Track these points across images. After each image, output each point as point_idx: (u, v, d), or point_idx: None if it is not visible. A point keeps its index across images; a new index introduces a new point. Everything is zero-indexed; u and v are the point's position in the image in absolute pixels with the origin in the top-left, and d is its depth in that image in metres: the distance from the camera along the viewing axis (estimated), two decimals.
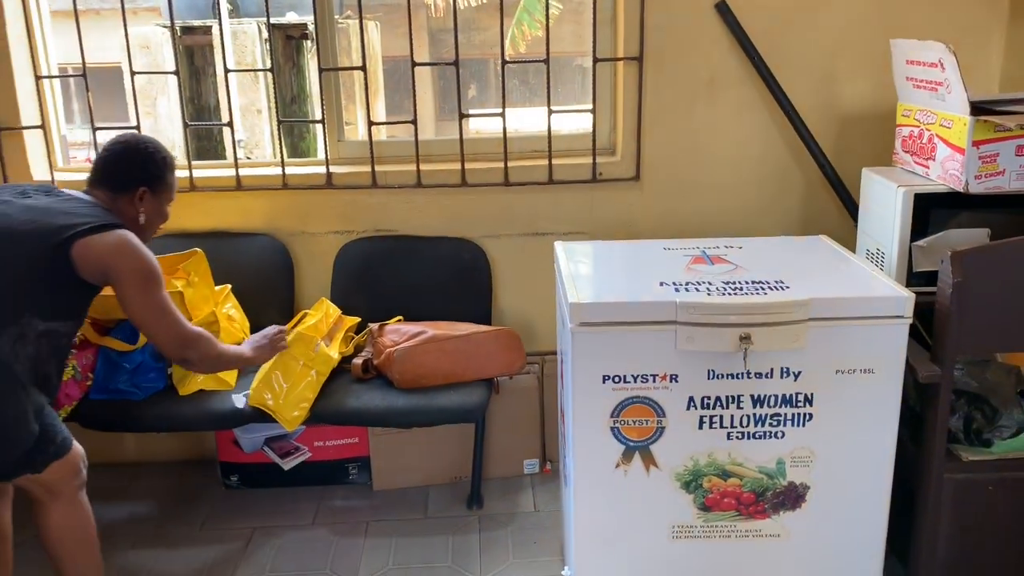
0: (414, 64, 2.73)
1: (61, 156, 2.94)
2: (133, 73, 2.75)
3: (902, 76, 2.33)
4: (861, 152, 2.69)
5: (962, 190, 2.05)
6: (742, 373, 1.83)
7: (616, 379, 1.84)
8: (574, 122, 2.99)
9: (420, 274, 2.83)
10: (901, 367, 1.83)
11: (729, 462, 1.88)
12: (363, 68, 2.77)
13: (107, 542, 2.18)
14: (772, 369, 1.83)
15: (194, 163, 2.83)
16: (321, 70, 2.77)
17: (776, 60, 2.72)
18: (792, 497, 1.91)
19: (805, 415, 1.86)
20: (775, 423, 1.86)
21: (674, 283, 1.91)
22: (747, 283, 1.90)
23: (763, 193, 2.86)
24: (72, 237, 1.88)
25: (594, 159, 2.81)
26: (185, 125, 2.85)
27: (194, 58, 5.15)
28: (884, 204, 2.25)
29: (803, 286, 1.87)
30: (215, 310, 2.52)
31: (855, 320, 1.81)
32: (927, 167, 2.22)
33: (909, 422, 1.99)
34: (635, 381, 1.84)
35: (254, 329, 2.55)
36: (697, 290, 1.86)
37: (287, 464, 2.81)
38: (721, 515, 1.92)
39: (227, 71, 2.84)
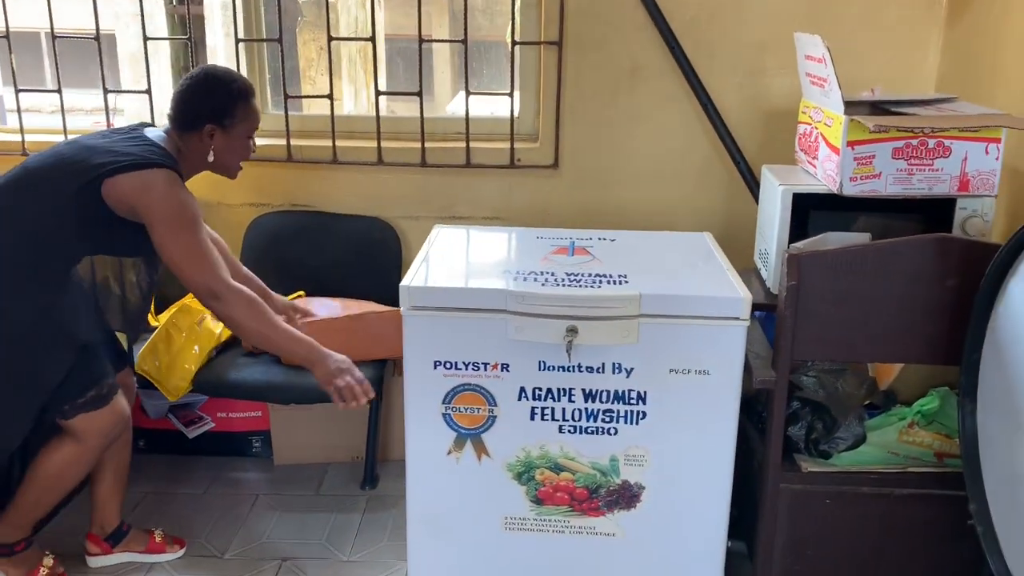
0: (331, 39, 2.71)
1: None
2: (54, 38, 2.77)
3: (803, 71, 2.25)
4: (787, 149, 2.61)
5: (836, 191, 1.98)
6: (573, 366, 1.79)
7: (448, 365, 1.82)
8: (505, 107, 2.95)
9: (331, 251, 2.82)
10: (738, 370, 1.78)
11: (561, 455, 1.85)
12: (279, 40, 2.76)
13: None
14: (603, 364, 1.79)
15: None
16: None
17: (702, 52, 2.65)
18: (627, 496, 1.87)
19: (638, 413, 1.81)
20: (608, 419, 1.82)
21: (518, 272, 1.87)
22: (589, 276, 1.85)
23: (684, 187, 2.79)
24: (101, 176, 1.90)
25: (512, 144, 2.77)
26: None
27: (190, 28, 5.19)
28: (771, 203, 2.18)
29: (643, 281, 1.82)
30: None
31: (690, 319, 1.76)
32: (814, 167, 2.15)
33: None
34: (467, 368, 1.81)
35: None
36: (535, 280, 1.83)
37: (191, 433, 2.83)
38: (554, 509, 1.88)
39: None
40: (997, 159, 1.91)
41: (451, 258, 2.07)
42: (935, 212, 2.02)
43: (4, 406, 1.95)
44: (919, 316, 1.73)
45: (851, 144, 1.93)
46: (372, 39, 2.71)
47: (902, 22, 2.64)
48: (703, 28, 2.64)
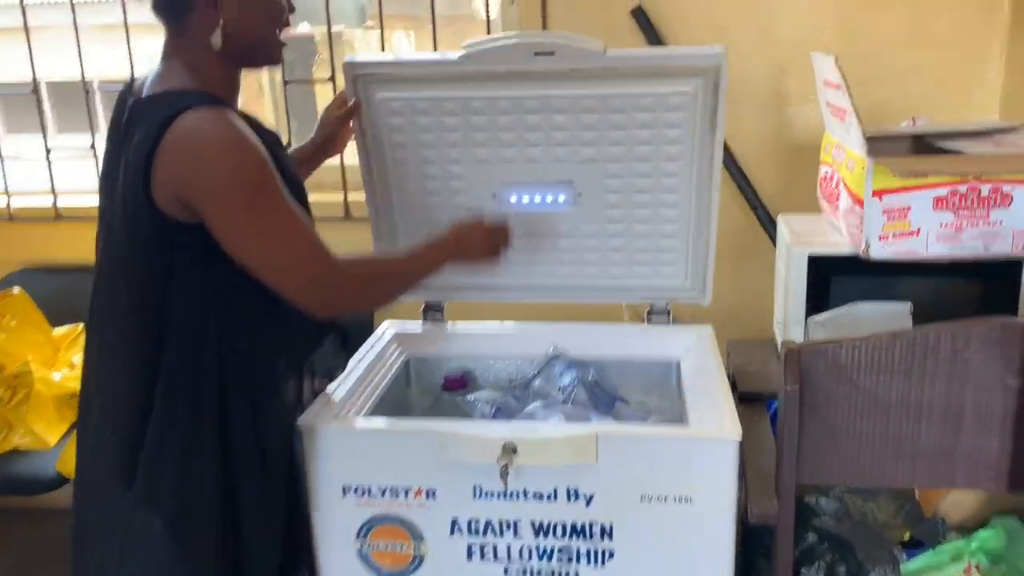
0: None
1: None
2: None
3: (823, 100, 1.83)
4: (814, 192, 2.18)
5: (861, 255, 1.55)
6: (516, 492, 1.40)
7: (360, 491, 1.44)
8: None
9: None
10: (730, 496, 1.35)
11: None
12: None
13: None
14: (556, 489, 1.39)
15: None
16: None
17: None
18: None
19: (604, 552, 1.40)
20: (565, 559, 1.42)
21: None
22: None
23: None
24: (146, 183, 1.20)
25: None
26: None
27: None
28: (786, 265, 1.76)
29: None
30: (31, 362, 2.23)
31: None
32: (837, 218, 1.72)
33: None
34: (384, 496, 1.43)
35: None
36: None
37: None
38: None
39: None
40: None
41: None
42: (1001, 272, 1.58)
43: None
44: (971, 426, 1.29)
45: (878, 194, 1.51)
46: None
47: (956, 34, 2.19)
48: None
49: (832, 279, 1.65)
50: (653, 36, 2.20)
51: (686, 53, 1.64)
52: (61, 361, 2.37)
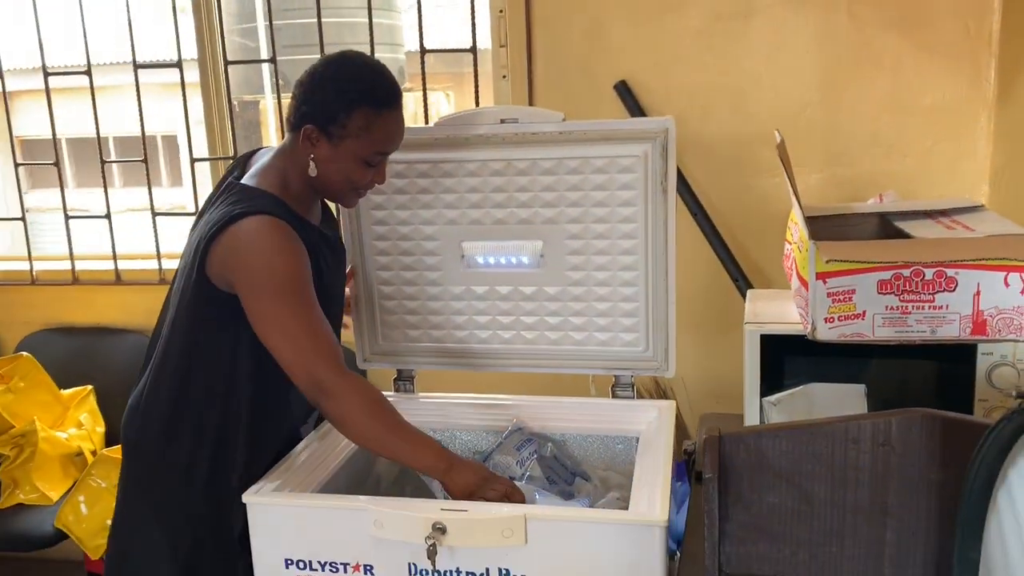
0: None
1: None
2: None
3: (787, 176, 1.83)
4: None
5: (808, 335, 1.54)
6: (451, 571, 1.41)
7: (302, 565, 1.47)
8: None
9: None
10: None
11: None
12: None
13: None
14: (488, 569, 1.40)
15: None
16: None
17: (693, 151, 2.27)
18: None
19: None
20: None
21: None
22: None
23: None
24: (203, 257, 1.49)
25: None
26: None
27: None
28: (744, 342, 1.76)
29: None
30: (36, 422, 2.34)
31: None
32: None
33: None
34: (324, 570, 1.47)
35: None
36: None
37: None
38: None
39: None
40: None
41: None
42: (955, 354, 1.56)
43: None
44: (896, 523, 1.26)
45: (822, 276, 1.50)
46: None
47: (943, 106, 2.19)
48: (695, 124, 2.27)
49: (786, 358, 1.64)
50: (635, 108, 2.24)
51: (637, 121, 1.70)
52: (69, 420, 2.48)
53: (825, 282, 1.50)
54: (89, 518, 2.22)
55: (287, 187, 1.55)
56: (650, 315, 1.77)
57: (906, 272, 1.46)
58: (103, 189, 2.63)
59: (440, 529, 1.37)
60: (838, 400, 1.61)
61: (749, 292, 1.90)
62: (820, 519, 1.29)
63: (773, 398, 1.64)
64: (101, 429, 2.51)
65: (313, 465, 1.60)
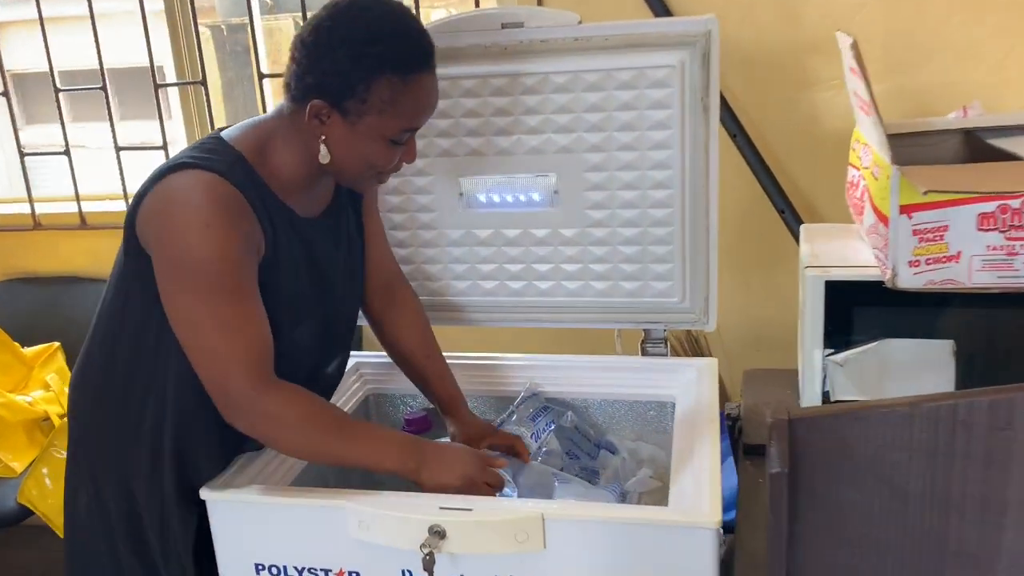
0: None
1: None
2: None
3: (850, 89, 1.52)
4: None
5: (887, 283, 1.26)
6: None
7: (275, 571, 1.23)
8: None
9: None
10: None
11: None
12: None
13: None
14: None
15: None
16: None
17: (732, 58, 1.94)
18: None
19: None
20: None
21: None
22: None
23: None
24: (134, 211, 1.18)
25: None
26: None
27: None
28: (802, 289, 1.47)
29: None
30: None
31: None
32: (865, 234, 1.42)
33: None
34: (300, 575, 1.22)
35: None
36: None
37: None
38: None
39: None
40: None
41: None
42: None
43: None
44: (1017, 523, 0.99)
45: (907, 209, 1.21)
46: None
47: (1020, 4, 1.85)
48: (732, 28, 1.93)
49: (855, 310, 1.36)
50: (662, 11, 1.91)
51: (671, 22, 1.39)
52: (34, 382, 2.23)
53: (911, 216, 1.21)
54: (55, 492, 1.98)
55: (267, 160, 1.22)
56: (687, 259, 1.48)
57: (1015, 203, 1.17)
58: (59, 121, 2.33)
59: (438, 533, 1.11)
60: (919, 359, 1.33)
61: (803, 228, 1.60)
62: (916, 520, 1.02)
63: (839, 357, 1.36)
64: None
65: (276, 463, 1.33)
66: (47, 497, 1.99)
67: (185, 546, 1.26)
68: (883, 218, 1.25)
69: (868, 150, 1.39)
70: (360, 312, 1.47)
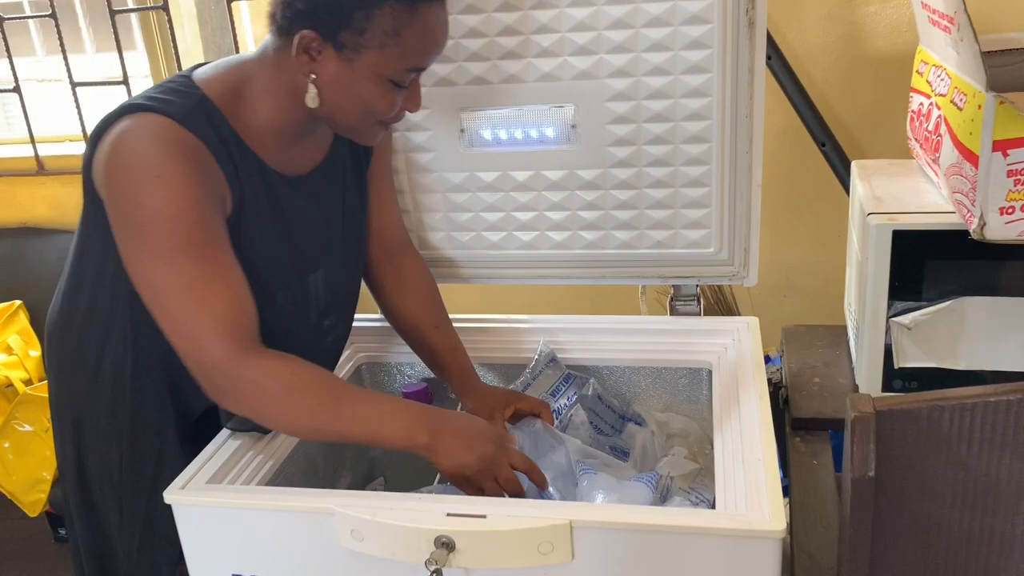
0: None
1: None
2: None
3: (916, 1, 1.30)
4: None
5: (974, 233, 1.06)
6: None
7: None
8: None
9: None
10: None
11: None
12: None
13: None
14: None
15: None
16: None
17: None
18: None
19: None
20: None
21: None
22: None
23: None
24: (89, 156, 1.02)
25: None
26: None
27: None
28: (859, 235, 1.27)
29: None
30: None
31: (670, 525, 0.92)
32: (937, 173, 1.21)
33: None
34: None
35: None
36: None
37: None
38: None
39: None
40: None
41: None
42: None
43: None
44: None
45: (1002, 145, 1.00)
46: None
47: None
48: None
49: (927, 264, 1.16)
50: None
51: None
52: None
53: (1007, 154, 1.00)
54: (20, 469, 1.81)
55: (241, 105, 1.05)
56: (725, 203, 1.28)
57: None
58: (6, 55, 2.09)
59: (446, 545, 0.93)
60: (1002, 321, 1.13)
61: (856, 165, 1.39)
62: None
63: (907, 319, 1.17)
64: (36, 353, 2.07)
65: (259, 447, 1.15)
66: (11, 474, 1.82)
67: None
68: (970, 156, 1.04)
69: (943, 73, 1.17)
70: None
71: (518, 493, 1.05)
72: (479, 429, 1.05)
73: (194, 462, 1.08)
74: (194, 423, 1.17)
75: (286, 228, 1.09)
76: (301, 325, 1.17)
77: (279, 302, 1.12)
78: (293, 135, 1.08)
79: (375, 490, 1.44)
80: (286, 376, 1.00)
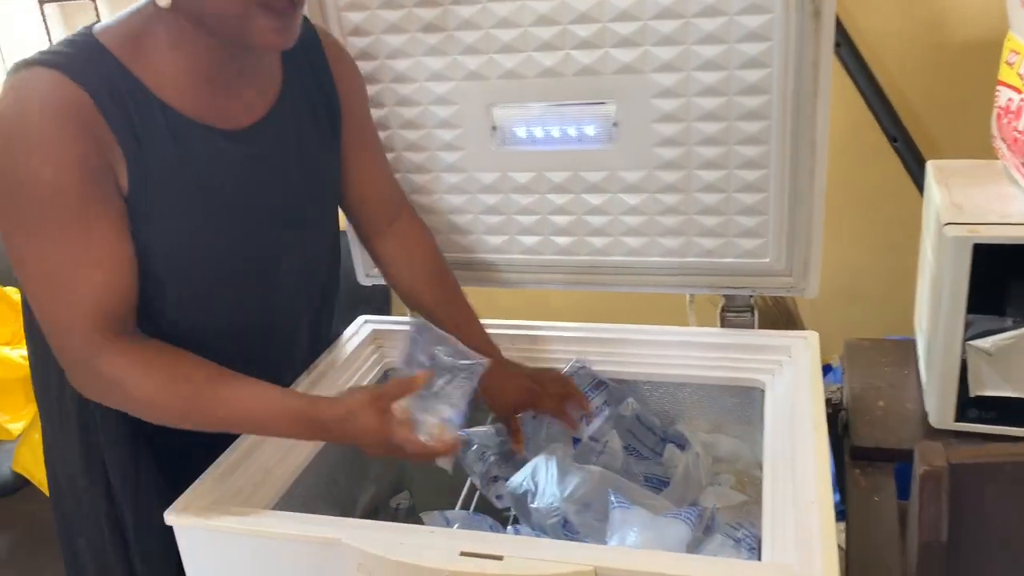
0: None
1: None
2: None
3: None
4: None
5: None
6: None
7: None
8: None
9: None
10: None
11: None
12: None
13: None
14: None
15: None
16: None
17: None
18: None
19: None
20: None
21: None
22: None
23: None
24: None
25: None
26: None
27: None
28: (933, 245, 1.15)
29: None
30: None
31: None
32: None
33: None
34: None
35: None
36: None
37: None
38: None
39: None
40: None
41: None
42: None
43: None
44: None
45: None
46: None
47: None
48: None
49: (1012, 282, 1.03)
50: None
51: None
52: None
53: None
54: None
55: (144, 54, 0.94)
56: (785, 210, 1.16)
57: None
58: None
59: None
60: None
61: (932, 166, 1.26)
62: None
63: (988, 342, 1.04)
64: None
65: (277, 457, 1.08)
66: (42, 465, 1.79)
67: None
68: None
69: None
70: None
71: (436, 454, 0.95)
72: (358, 423, 0.94)
73: (205, 474, 1.02)
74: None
75: (221, 185, 0.99)
76: (260, 299, 1.07)
77: (224, 269, 1.02)
78: (218, 81, 0.97)
79: (399, 505, 1.37)
80: (149, 368, 0.93)
